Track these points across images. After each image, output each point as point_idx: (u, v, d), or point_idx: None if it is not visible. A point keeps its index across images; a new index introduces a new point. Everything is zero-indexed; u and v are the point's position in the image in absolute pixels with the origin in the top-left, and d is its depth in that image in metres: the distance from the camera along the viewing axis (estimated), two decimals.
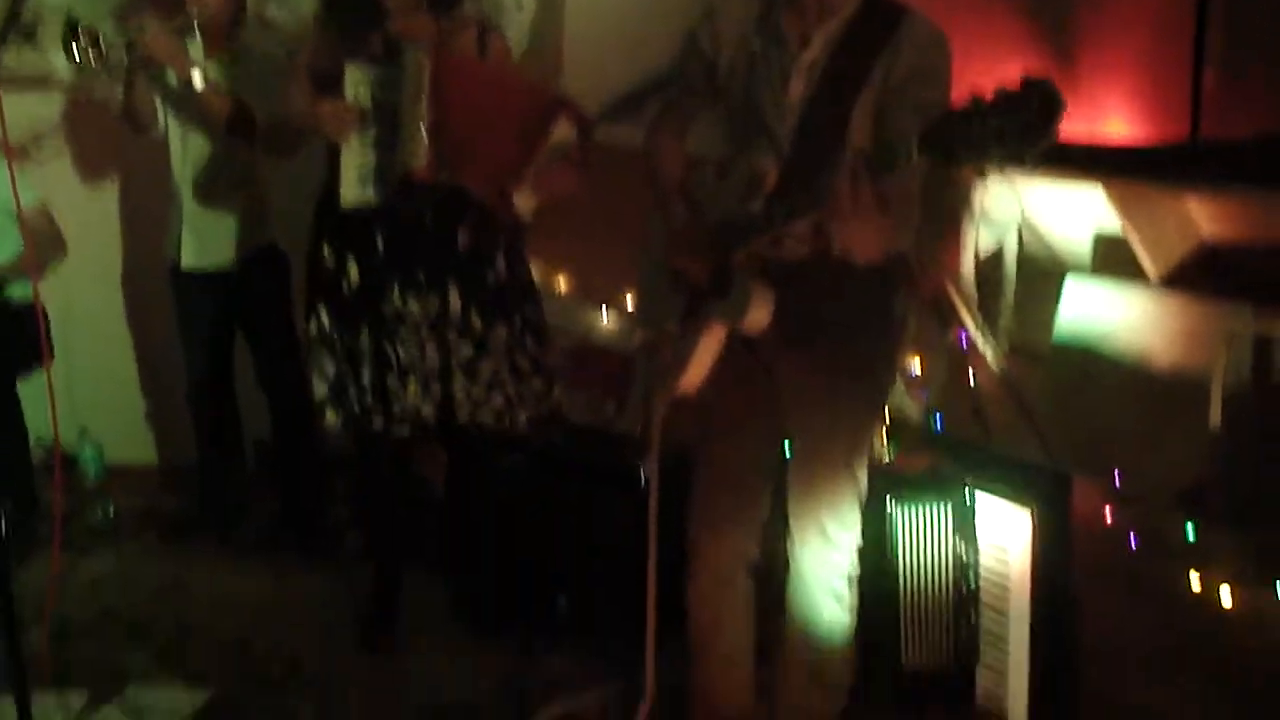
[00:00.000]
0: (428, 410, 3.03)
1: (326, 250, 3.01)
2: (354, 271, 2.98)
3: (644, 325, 2.58)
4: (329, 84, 2.92)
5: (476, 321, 3.01)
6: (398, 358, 2.98)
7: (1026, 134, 1.71)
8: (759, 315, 2.28)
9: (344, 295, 3.01)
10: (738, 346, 2.39)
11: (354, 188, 2.92)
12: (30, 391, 3.92)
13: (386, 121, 2.89)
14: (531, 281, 3.19)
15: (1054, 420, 3.09)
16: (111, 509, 4.16)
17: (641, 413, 3.36)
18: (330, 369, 3.05)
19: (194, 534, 4.03)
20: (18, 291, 3.76)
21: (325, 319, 3.04)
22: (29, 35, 2.24)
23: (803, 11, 2.27)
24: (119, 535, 4.07)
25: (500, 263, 3.06)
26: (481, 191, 2.93)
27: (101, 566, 3.83)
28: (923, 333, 3.22)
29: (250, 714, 2.94)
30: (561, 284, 3.90)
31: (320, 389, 3.07)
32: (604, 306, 3.86)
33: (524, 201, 2.95)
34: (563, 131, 2.92)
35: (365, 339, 3.00)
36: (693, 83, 2.44)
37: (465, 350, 3.02)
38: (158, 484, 4.45)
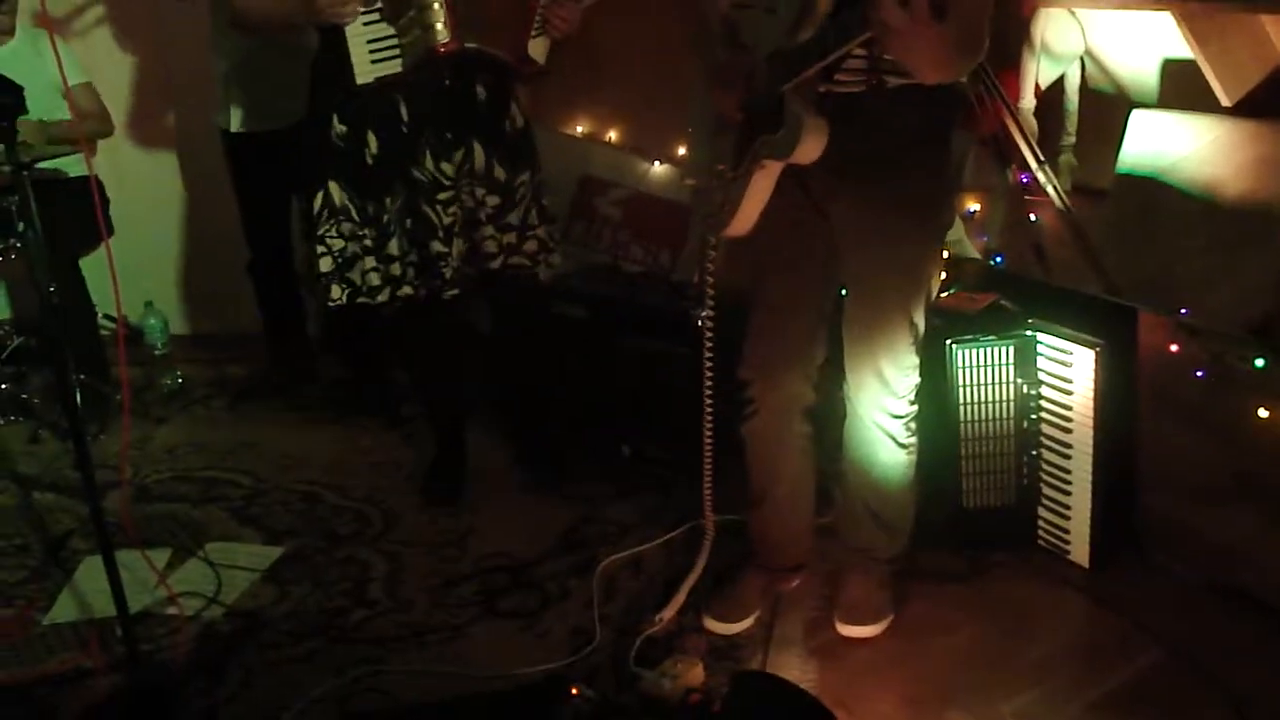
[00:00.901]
0: (468, 267, 3.03)
1: (337, 124, 2.94)
2: (374, 142, 2.93)
3: (695, 168, 2.53)
4: None
5: (500, 173, 2.99)
6: (442, 220, 2.96)
7: None
8: (811, 147, 2.22)
9: (365, 166, 2.95)
10: (791, 186, 2.34)
11: (366, 64, 2.85)
12: (94, 266, 3.98)
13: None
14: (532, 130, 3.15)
15: (1119, 256, 3.02)
16: (179, 377, 4.25)
17: (697, 260, 3.34)
18: (339, 243, 3.00)
19: (262, 398, 4.11)
20: (74, 169, 3.78)
21: (339, 193, 2.97)
22: None
23: None
24: (189, 402, 4.17)
25: (515, 111, 3.03)
26: (503, 52, 2.88)
27: (174, 432, 3.93)
28: (981, 171, 3.14)
29: (324, 567, 3.03)
30: (613, 136, 3.84)
31: (326, 263, 3.00)
32: (656, 158, 3.80)
33: (536, 48, 2.92)
34: None
35: (392, 206, 2.97)
36: None
37: (492, 201, 3.00)
38: (223, 352, 4.53)
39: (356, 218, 2.98)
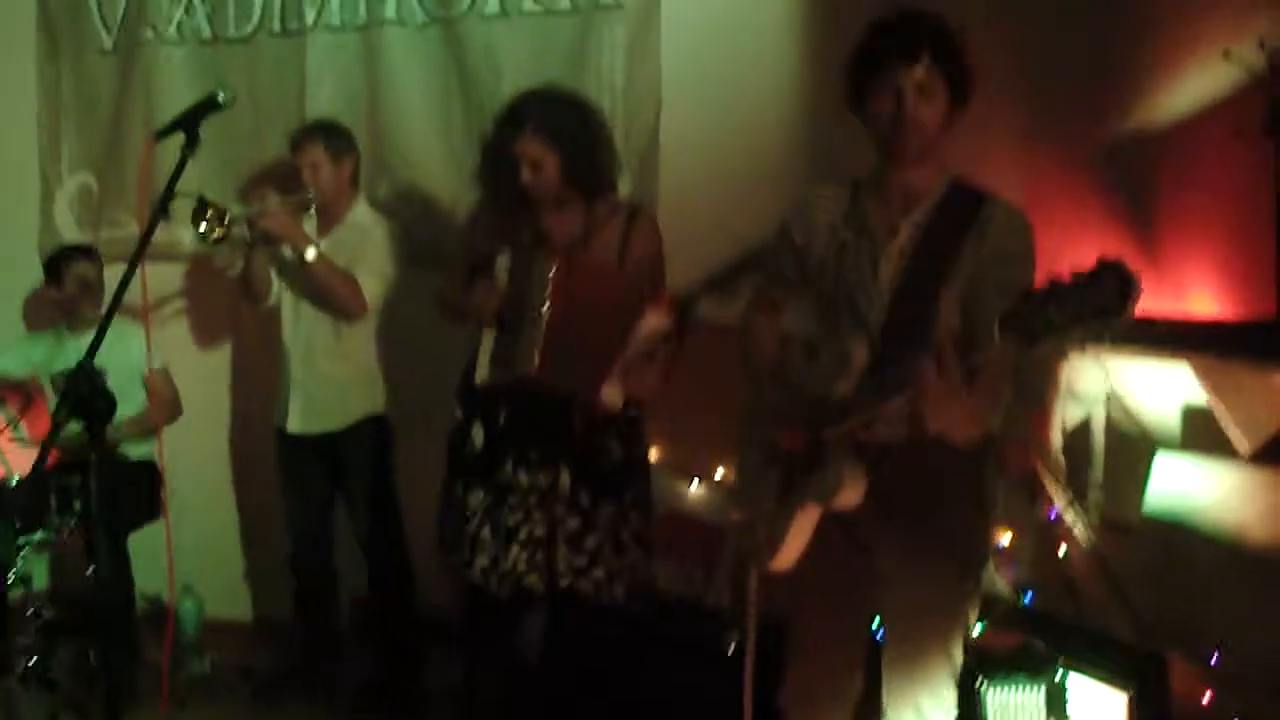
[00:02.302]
0: (532, 579, 3.12)
1: (459, 415, 3.21)
2: (479, 439, 3.15)
3: (740, 501, 2.63)
4: (484, 265, 3.13)
5: (585, 498, 3.12)
6: (506, 523, 3.10)
7: (1103, 314, 1.78)
8: (850, 495, 2.32)
9: (467, 459, 3.18)
10: (834, 524, 2.41)
11: (484, 368, 3.10)
12: (135, 543, 4.07)
13: (516, 311, 3.05)
14: (645, 459, 3.30)
15: (1147, 597, 3.05)
16: (209, 663, 4.25)
17: (730, 585, 3.39)
18: (447, 519, 3.22)
19: (289, 690, 4.09)
20: (133, 448, 3.94)
21: (451, 476, 3.22)
22: (164, 210, 2.48)
23: (889, 201, 2.38)
24: (216, 689, 4.15)
25: (614, 444, 3.16)
26: (582, 393, 3.05)
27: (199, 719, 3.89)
28: (1011, 507, 3.22)
29: None
30: (653, 454, 3.98)
31: (439, 532, 3.24)
32: (694, 477, 3.92)
33: (611, 395, 3.06)
34: (653, 321, 3.03)
35: (478, 501, 3.14)
36: (784, 270, 2.53)
37: (572, 523, 3.11)
38: (253, 639, 4.53)
39: (452, 501, 3.19)
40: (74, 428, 2.33)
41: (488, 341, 3.10)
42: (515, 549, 3.10)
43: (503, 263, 3.09)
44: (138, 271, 2.39)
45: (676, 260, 3.33)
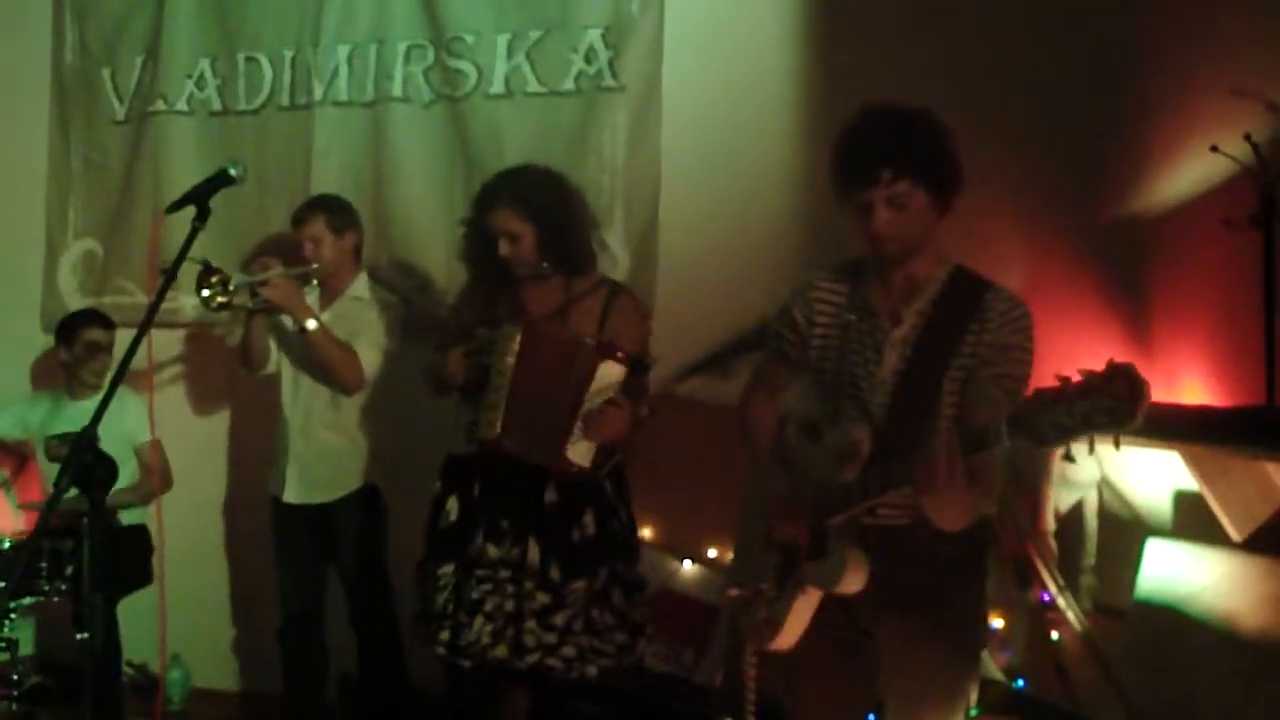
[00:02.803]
0: (500, 651, 3.11)
1: (439, 486, 3.24)
2: (454, 510, 3.18)
3: (737, 578, 2.63)
4: (464, 339, 3.19)
5: (554, 573, 3.10)
6: (471, 596, 3.11)
7: (1113, 417, 1.80)
8: (854, 580, 2.32)
9: (441, 531, 3.20)
10: (834, 606, 2.41)
11: (461, 438, 3.16)
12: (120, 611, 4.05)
13: (481, 382, 3.12)
14: (628, 537, 3.28)
15: (1138, 682, 3.05)
16: None
17: (723, 664, 3.37)
18: (421, 592, 3.24)
19: None
20: (123, 514, 3.94)
21: (426, 548, 3.25)
22: (173, 276, 2.50)
23: (891, 287, 2.41)
24: None
25: (589, 518, 3.15)
26: (537, 458, 3.08)
27: None
28: (1003, 591, 3.23)
29: None
30: (647, 533, 3.98)
31: (417, 606, 3.26)
32: (686, 557, 3.91)
33: (578, 453, 3.08)
34: (609, 373, 3.06)
35: (448, 574, 3.15)
36: (785, 352, 2.55)
37: (541, 599, 3.10)
38: (239, 711, 4.49)
39: (426, 574, 3.21)
40: (70, 493, 2.34)
41: (461, 414, 3.17)
42: (480, 621, 3.09)
43: (479, 335, 3.16)
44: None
45: (674, 338, 3.38)
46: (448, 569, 3.15)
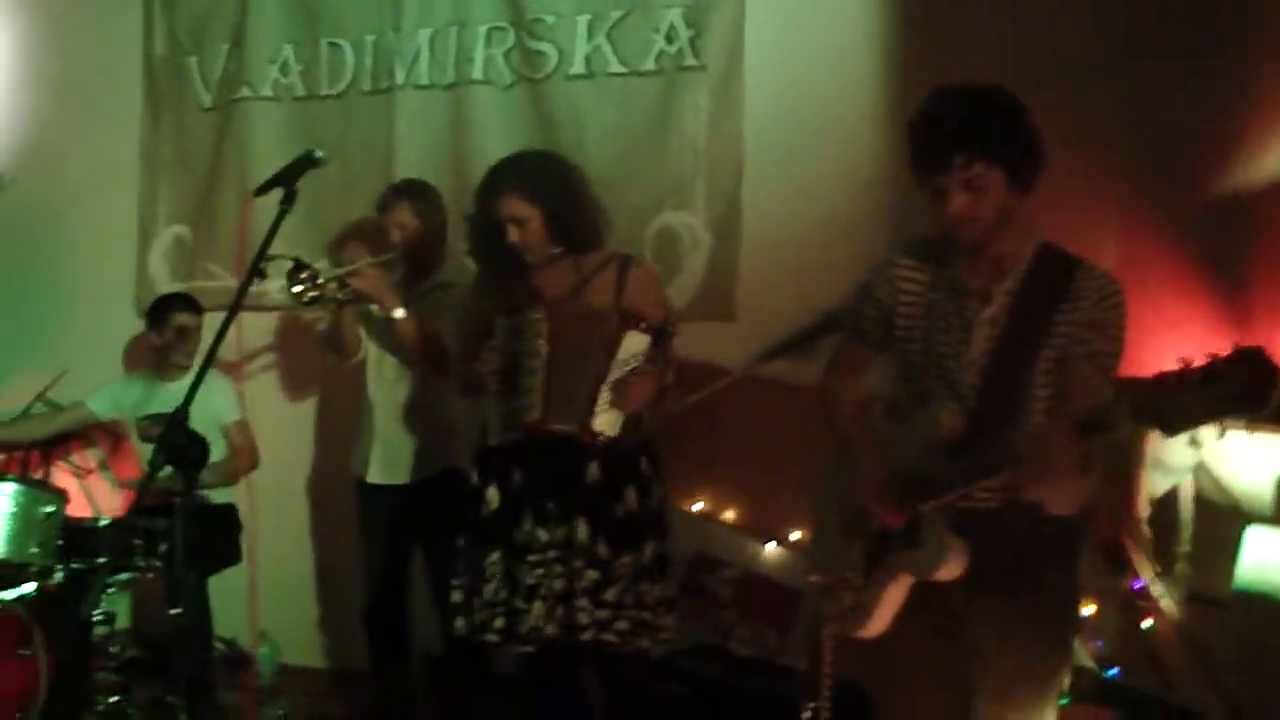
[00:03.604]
0: (551, 630, 3.12)
1: (476, 477, 3.24)
2: (494, 500, 3.17)
3: (818, 563, 2.60)
4: (485, 333, 3.20)
5: (603, 549, 3.11)
6: (526, 581, 3.11)
7: (1243, 404, 1.74)
8: (953, 568, 2.28)
9: (483, 518, 3.19)
10: (926, 592, 2.37)
11: (495, 428, 3.18)
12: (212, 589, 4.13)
13: (515, 369, 3.13)
14: (661, 514, 3.28)
15: (1237, 671, 2.97)
16: (282, 713, 4.28)
17: (806, 648, 3.35)
18: (465, 581, 3.21)
19: None
20: (213, 493, 4.03)
21: (466, 537, 3.23)
22: (260, 272, 2.55)
23: (980, 267, 2.35)
24: None
25: (630, 494, 3.16)
26: (567, 426, 3.09)
27: None
28: (1095, 578, 3.16)
29: None
30: (730, 515, 3.96)
31: (456, 596, 3.23)
32: (770, 538, 3.89)
33: (606, 422, 3.10)
34: (634, 343, 3.10)
35: (495, 561, 3.15)
36: (867, 330, 2.51)
37: (590, 575, 3.10)
38: (327, 688, 4.57)
39: (465, 564, 3.18)
40: (163, 471, 2.39)
41: (495, 404, 3.16)
42: (537, 604, 3.10)
43: (501, 325, 3.17)
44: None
45: (757, 318, 3.34)
46: (494, 556, 3.15)
